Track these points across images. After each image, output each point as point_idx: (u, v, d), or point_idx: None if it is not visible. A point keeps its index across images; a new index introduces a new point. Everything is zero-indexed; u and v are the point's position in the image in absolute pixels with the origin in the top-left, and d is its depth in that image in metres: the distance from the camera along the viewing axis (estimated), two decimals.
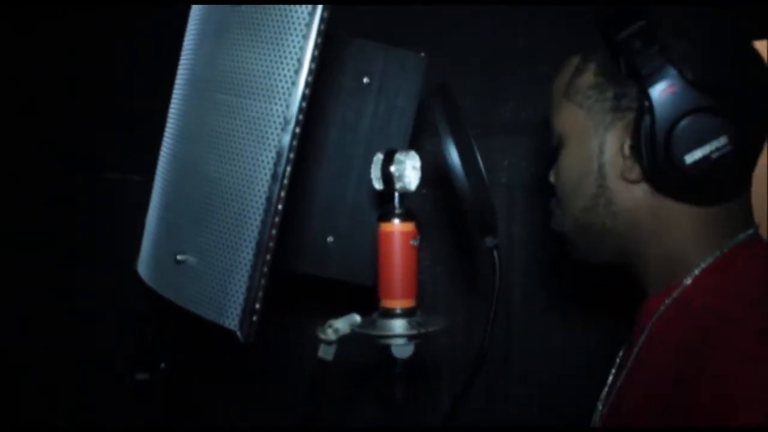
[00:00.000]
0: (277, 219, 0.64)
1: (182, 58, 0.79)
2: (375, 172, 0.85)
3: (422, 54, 1.09)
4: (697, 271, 0.83)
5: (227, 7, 0.68)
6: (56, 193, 1.85)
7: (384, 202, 0.86)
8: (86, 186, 1.84)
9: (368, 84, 1.08)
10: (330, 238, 1.09)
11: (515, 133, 1.73)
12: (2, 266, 1.80)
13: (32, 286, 1.74)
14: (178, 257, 0.70)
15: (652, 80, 0.78)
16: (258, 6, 0.66)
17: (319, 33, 0.63)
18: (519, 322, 1.70)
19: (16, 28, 1.95)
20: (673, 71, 0.77)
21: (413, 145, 1.11)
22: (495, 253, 0.83)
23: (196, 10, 0.77)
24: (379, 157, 0.84)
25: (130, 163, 1.83)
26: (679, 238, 0.84)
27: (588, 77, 0.88)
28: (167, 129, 0.79)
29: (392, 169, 0.83)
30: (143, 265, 0.80)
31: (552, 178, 0.95)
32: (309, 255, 1.09)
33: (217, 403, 1.70)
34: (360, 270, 1.08)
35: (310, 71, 0.63)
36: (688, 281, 0.83)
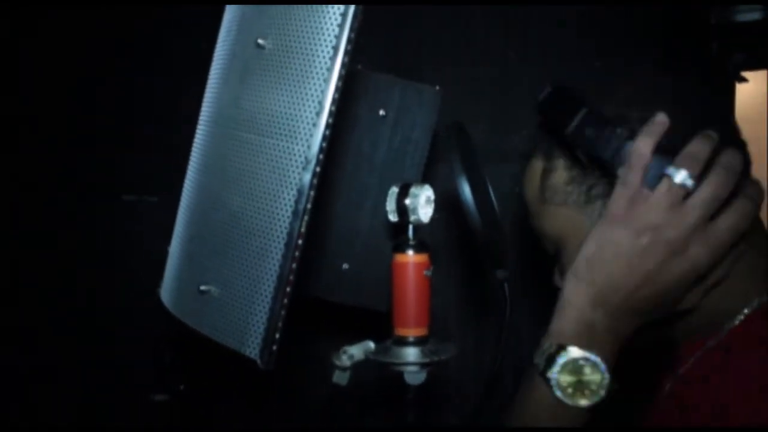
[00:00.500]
0: (297, 253, 0.67)
1: (207, 95, 0.83)
2: (390, 205, 0.88)
3: (437, 87, 1.12)
4: (740, 318, 0.82)
5: (253, 51, 0.72)
6: (74, 216, 1.89)
7: (398, 232, 0.89)
8: (104, 208, 1.88)
9: (384, 116, 1.12)
10: (345, 265, 1.12)
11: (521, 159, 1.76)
12: (20, 286, 1.84)
13: (51, 307, 1.78)
14: (202, 288, 0.73)
15: (618, 162, 0.78)
16: (282, 50, 0.70)
17: (340, 77, 0.67)
18: (527, 347, 1.72)
19: (34, 50, 2.00)
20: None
21: (427, 172, 1.15)
22: (505, 285, 0.86)
23: (220, 50, 0.81)
24: (394, 190, 0.87)
25: (145, 184, 1.87)
26: (722, 291, 0.83)
27: (560, 174, 0.88)
28: (191, 163, 0.83)
29: (407, 202, 0.86)
30: (166, 293, 0.83)
31: (560, 283, 0.93)
32: (324, 281, 1.12)
33: (234, 425, 1.72)
34: (374, 296, 1.11)
35: (331, 113, 0.66)
36: (734, 324, 0.83)
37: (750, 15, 1.85)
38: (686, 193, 0.74)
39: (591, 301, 0.79)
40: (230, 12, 0.80)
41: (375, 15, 1.76)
